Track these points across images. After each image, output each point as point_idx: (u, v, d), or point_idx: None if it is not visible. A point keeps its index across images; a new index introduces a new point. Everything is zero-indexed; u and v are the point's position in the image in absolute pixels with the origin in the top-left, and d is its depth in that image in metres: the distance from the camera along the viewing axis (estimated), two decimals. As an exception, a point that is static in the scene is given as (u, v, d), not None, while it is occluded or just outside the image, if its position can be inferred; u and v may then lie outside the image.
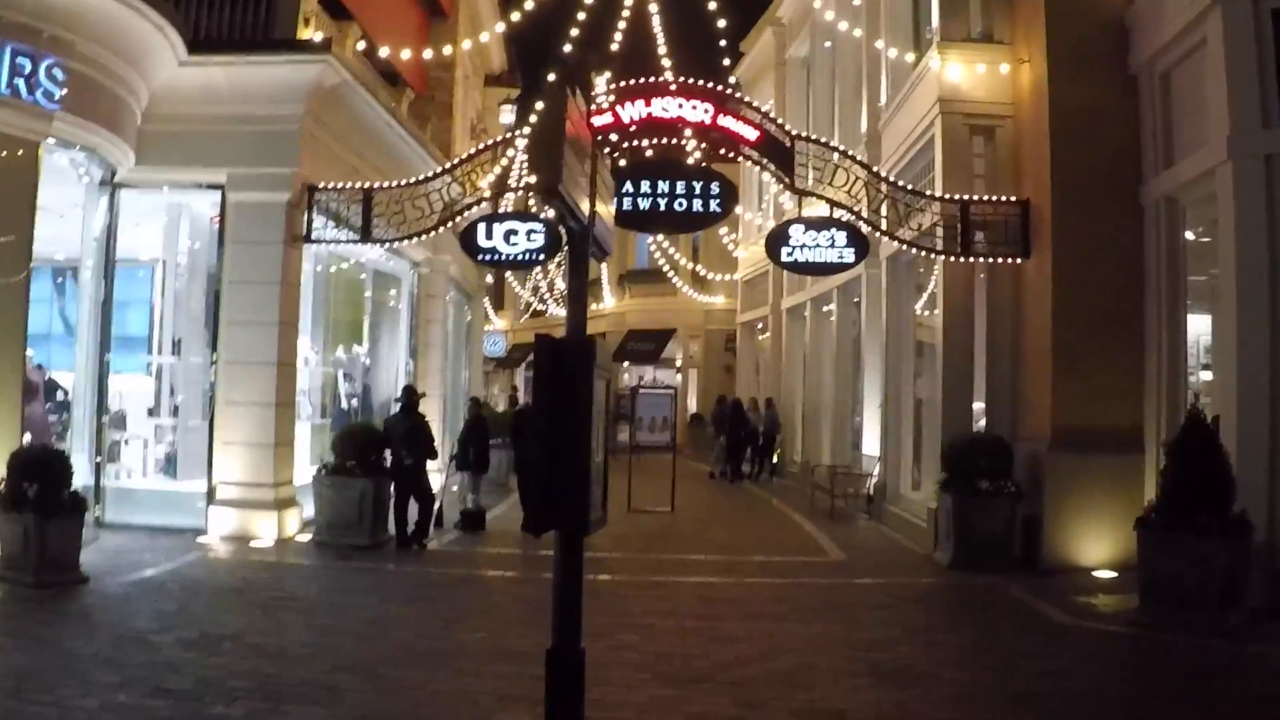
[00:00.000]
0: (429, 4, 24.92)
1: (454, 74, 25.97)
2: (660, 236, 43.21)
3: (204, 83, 15.99)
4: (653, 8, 21.69)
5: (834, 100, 27.02)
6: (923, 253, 17.15)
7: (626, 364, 51.78)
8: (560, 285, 55.65)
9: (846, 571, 15.63)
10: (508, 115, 32.04)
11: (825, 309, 29.01)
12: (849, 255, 16.86)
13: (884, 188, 16.83)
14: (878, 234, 16.89)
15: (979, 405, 18.44)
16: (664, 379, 50.41)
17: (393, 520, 16.30)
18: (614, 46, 21.72)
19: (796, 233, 16.85)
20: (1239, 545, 11.50)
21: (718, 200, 16.45)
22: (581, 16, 19.74)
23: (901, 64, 20.45)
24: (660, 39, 21.80)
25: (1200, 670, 10.06)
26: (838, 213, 17.06)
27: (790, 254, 16.88)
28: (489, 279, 37.31)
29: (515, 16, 18.98)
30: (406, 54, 19.53)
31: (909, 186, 17.22)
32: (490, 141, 17.36)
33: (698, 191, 16.48)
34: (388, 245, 17.84)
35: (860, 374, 25.75)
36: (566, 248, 8.90)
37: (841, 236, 16.80)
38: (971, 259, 16.90)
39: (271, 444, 15.99)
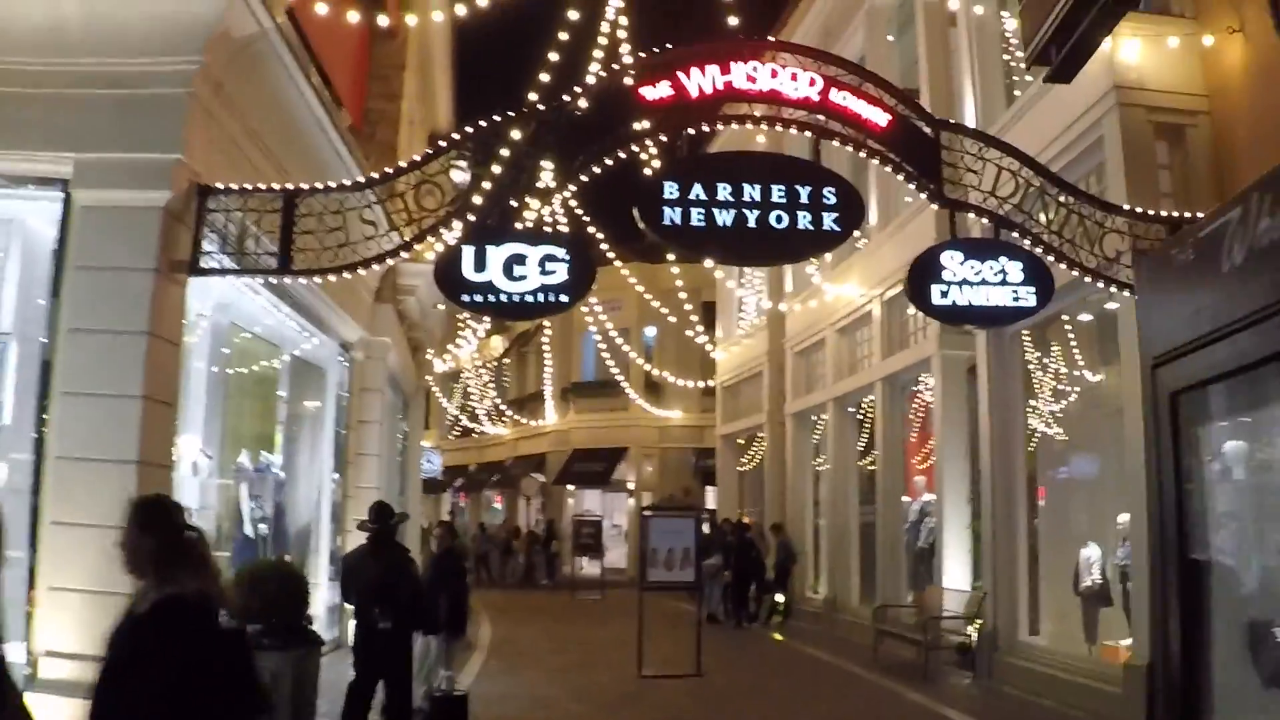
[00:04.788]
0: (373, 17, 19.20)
1: (399, 106, 20.27)
2: (614, 334, 38.07)
3: (48, 23, 10.00)
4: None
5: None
6: (1112, 291, 11.66)
7: (572, 487, 46.27)
8: (493, 400, 50.12)
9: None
10: (460, 174, 26.34)
11: (851, 409, 23.73)
12: (1028, 295, 11.06)
13: (1068, 200, 11.26)
14: (1061, 264, 11.26)
15: (1127, 516, 13.64)
16: (614, 504, 45.47)
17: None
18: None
19: (952, 262, 10.99)
20: None
21: (835, 214, 10.81)
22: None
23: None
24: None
25: None
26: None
27: (944, 294, 10.95)
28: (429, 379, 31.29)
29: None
30: (354, 15, 13.67)
31: (1101, 199, 11.72)
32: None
33: (804, 200, 10.81)
34: (317, 280, 11.65)
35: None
36: None
37: (1015, 268, 11.04)
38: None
39: (130, 592, 9.73)
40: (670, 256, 29.62)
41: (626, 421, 43.90)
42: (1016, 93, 16.22)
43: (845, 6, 22.87)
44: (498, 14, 13.96)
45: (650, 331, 43.69)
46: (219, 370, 14.16)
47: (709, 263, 29.77)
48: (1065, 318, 15.35)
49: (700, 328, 33.02)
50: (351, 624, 11.91)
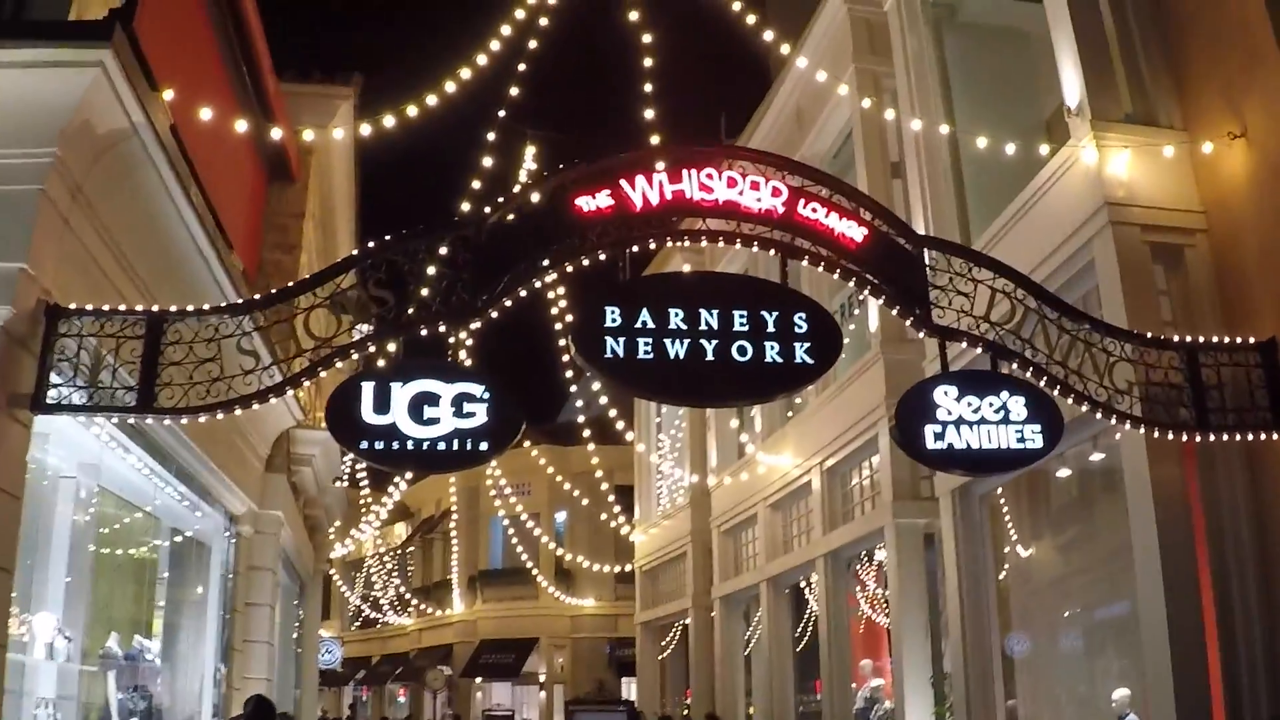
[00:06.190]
0: (270, 158, 17.67)
1: (298, 258, 18.57)
2: (524, 518, 36.46)
3: None
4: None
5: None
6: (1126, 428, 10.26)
7: (480, 680, 43.94)
8: (396, 589, 47.81)
9: None
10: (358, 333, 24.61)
11: (787, 590, 22.20)
12: (1034, 436, 9.45)
13: (1071, 325, 9.84)
14: (1068, 399, 9.76)
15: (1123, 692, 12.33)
16: (525, 697, 43.46)
17: None
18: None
19: (946, 399, 9.41)
20: None
21: (807, 343, 9.23)
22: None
23: (993, 166, 14.00)
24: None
25: None
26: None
27: (940, 436, 9.32)
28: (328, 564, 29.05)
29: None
30: (242, 124, 11.90)
31: (1107, 322, 10.33)
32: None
33: (771, 328, 9.23)
34: (180, 420, 9.63)
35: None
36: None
37: (1018, 404, 9.51)
38: (1210, 435, 9.96)
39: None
40: (586, 433, 28.32)
41: (537, 610, 42.40)
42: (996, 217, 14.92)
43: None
44: (406, 166, 12.45)
45: (561, 516, 42.74)
46: (84, 540, 12.16)
47: (629, 435, 28.41)
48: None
49: (617, 509, 31.30)
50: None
